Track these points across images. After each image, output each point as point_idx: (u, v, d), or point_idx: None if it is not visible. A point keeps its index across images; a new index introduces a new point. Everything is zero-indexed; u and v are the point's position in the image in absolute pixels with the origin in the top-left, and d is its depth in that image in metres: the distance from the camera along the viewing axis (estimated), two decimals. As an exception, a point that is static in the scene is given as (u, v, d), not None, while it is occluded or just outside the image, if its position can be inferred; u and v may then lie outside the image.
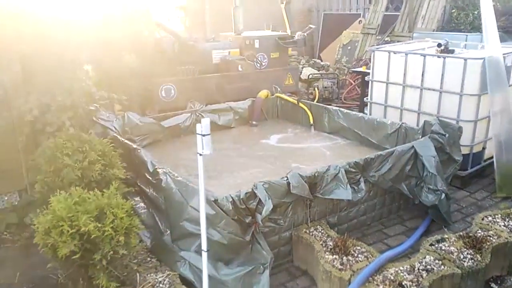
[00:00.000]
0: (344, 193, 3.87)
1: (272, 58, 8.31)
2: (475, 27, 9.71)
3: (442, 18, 10.34)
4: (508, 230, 3.83)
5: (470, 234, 3.72)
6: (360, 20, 12.34)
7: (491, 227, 3.88)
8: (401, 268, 3.32)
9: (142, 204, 4.15)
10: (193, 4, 11.93)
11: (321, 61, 12.94)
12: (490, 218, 4.09)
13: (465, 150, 5.20)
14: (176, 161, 5.34)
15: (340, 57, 12.67)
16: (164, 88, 6.73)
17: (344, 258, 3.44)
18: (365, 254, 3.51)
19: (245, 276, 3.33)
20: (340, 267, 3.34)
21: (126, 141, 4.78)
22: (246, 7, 8.55)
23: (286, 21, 8.46)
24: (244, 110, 6.72)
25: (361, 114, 5.81)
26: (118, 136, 4.93)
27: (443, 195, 4.38)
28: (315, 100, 9.90)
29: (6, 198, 3.99)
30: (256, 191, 3.43)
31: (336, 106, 9.83)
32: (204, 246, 2.84)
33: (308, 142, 6.04)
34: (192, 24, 12.16)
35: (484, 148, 5.57)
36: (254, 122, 6.72)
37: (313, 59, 12.77)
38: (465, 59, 5.09)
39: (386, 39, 10.93)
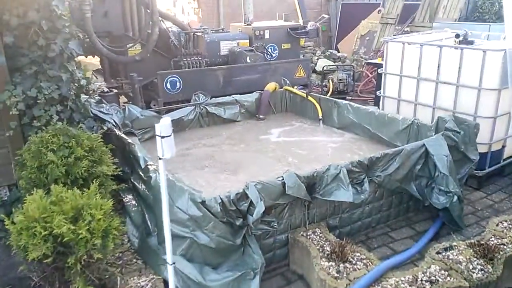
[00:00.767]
0: (345, 194, 3.61)
1: (283, 49, 8.03)
2: (501, 16, 9.15)
3: (466, 8, 9.80)
4: (525, 238, 3.51)
5: (482, 242, 3.41)
6: (379, 10, 11.86)
7: (506, 234, 3.56)
8: (402, 278, 3.05)
9: (134, 202, 3.99)
10: (207, -6, 11.73)
11: (338, 52, 12.56)
12: (505, 224, 3.76)
13: (482, 149, 4.84)
14: (178, 156, 5.17)
15: (358, 48, 12.25)
16: (169, 80, 6.55)
17: (341, 265, 3.20)
18: (365, 261, 3.25)
19: (234, 282, 3.13)
20: (336, 275, 3.10)
21: (122, 135, 4.63)
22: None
23: (298, 10, 8.16)
24: (251, 104, 6.48)
25: (371, 109, 5.50)
26: (116, 130, 4.79)
27: (455, 198, 4.07)
28: (329, 93, 9.58)
29: (-6, 193, 3.90)
30: (247, 192, 3.22)
31: (351, 99, 9.60)
32: (169, 259, 2.62)
33: (316, 137, 5.77)
34: (206, 15, 11.96)
35: (504, 147, 5.19)
36: (261, 116, 6.49)
37: (329, 50, 12.39)
38: (484, 51, 4.71)
39: (406, 29, 10.47)
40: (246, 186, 3.26)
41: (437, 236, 4.14)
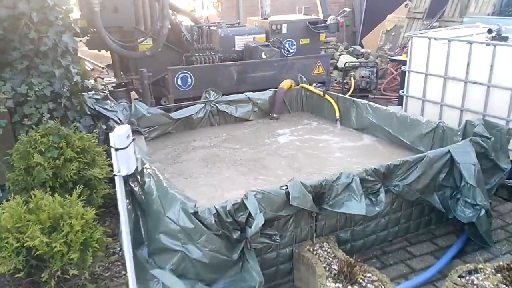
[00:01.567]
0: (357, 206, 3.25)
1: (302, 45, 7.66)
2: (539, 10, 8.50)
3: (500, 1, 9.14)
4: None
5: (512, 266, 2.99)
6: (406, 4, 11.28)
7: (542, 257, 3.12)
8: (419, 306, 2.68)
9: (130, 207, 3.73)
10: (226, -12, 11.44)
11: (362, 48, 12.05)
12: (541, 244, 3.32)
13: (515, 156, 4.37)
14: (184, 155, 4.92)
15: (383, 43, 11.70)
16: (180, 76, 6.29)
17: (349, 287, 2.84)
18: (376, 283, 2.89)
19: (229, 301, 2.84)
20: (342, 299, 2.76)
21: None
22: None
23: (318, 4, 7.75)
24: (264, 102, 6.15)
25: (392, 110, 5.08)
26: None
27: (483, 211, 3.64)
28: (350, 91, 9.15)
29: (-14, 193, 3.71)
30: (246, 202, 2.90)
31: (374, 98, 9.13)
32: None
33: (331, 139, 5.39)
34: (226, 9, 11.67)
35: (540, 154, 4.68)
36: (274, 115, 6.15)
37: (352, 46, 11.90)
38: (521, 47, 4.23)
39: (435, 24, 9.88)
40: (245, 195, 2.95)
41: (462, 253, 3.74)
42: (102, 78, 6.68)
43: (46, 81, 3.43)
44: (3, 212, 2.47)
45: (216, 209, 2.84)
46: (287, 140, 5.41)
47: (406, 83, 5.58)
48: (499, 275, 2.91)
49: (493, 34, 4.63)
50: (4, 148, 3.50)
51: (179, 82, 6.31)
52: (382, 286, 2.86)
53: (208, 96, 5.87)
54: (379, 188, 3.53)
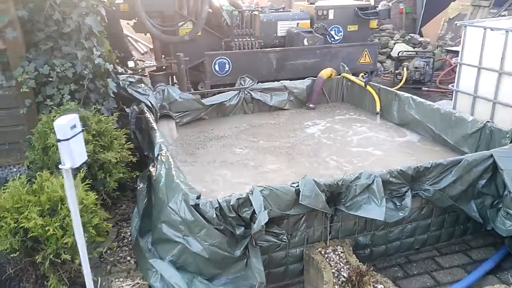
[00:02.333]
0: (375, 210, 2.98)
1: (349, 31, 7.26)
2: None
3: None
4: None
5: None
6: (473, -11, 10.35)
7: None
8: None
9: (145, 192, 3.71)
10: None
11: (421, 36, 11.28)
12: None
13: None
14: (209, 143, 4.84)
15: (445, 32, 10.87)
16: (217, 62, 6.19)
17: (356, 298, 2.62)
18: (387, 297, 2.64)
19: (227, 299, 2.72)
20: (346, 310, 2.54)
21: (149, 117, 4.38)
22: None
23: (370, -12, 7.28)
24: (301, 91, 5.90)
25: (436, 105, 4.64)
26: (147, 112, 4.56)
27: (527, 226, 3.21)
28: (402, 82, 8.60)
29: (14, 170, 3.86)
30: (251, 198, 2.75)
31: (428, 90, 8.51)
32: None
33: (368, 133, 5.04)
34: (277, -7, 11.39)
35: None
36: (311, 105, 5.89)
37: (410, 34, 11.19)
38: None
39: (503, 13, 8.97)
40: (250, 190, 2.79)
41: (498, 269, 3.34)
42: (143, 61, 6.74)
43: (69, 62, 3.45)
44: (4, 192, 2.51)
45: (218, 203, 2.72)
46: (319, 131, 5.15)
47: (457, 76, 5.09)
48: (533, 301, 2.54)
49: (561, 24, 4.06)
50: (29, 127, 3.59)
51: (217, 67, 6.22)
52: (393, 300, 2.61)
53: (242, 83, 5.73)
54: (406, 191, 3.23)
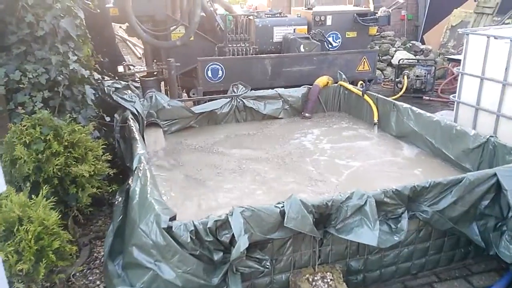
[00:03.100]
0: (368, 235, 2.72)
1: (348, 38, 7.03)
2: None
3: None
4: None
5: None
6: (476, -4, 10.14)
7: None
8: None
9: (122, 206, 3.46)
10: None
11: (422, 44, 11.06)
12: None
13: None
14: (195, 154, 4.59)
15: (447, 40, 10.66)
16: (210, 68, 5.96)
17: (344, 334, 2.36)
18: (379, 333, 2.38)
19: (201, 332, 2.46)
20: None
21: (132, 125, 4.14)
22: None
23: (369, -7, 7.06)
24: (296, 99, 5.67)
25: (437, 118, 4.39)
26: (131, 120, 4.32)
27: (534, 252, 2.95)
28: (402, 91, 8.36)
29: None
30: (230, 220, 2.50)
31: (429, 100, 8.26)
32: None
33: (364, 145, 4.80)
34: (277, -1, 11.21)
35: None
36: (307, 114, 5.65)
37: (411, 42, 10.96)
38: None
39: (507, 21, 8.74)
40: (230, 212, 2.54)
41: (502, 298, 3.08)
42: (134, 66, 6.51)
43: (42, 68, 3.22)
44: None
45: (194, 225, 2.47)
46: (313, 143, 4.90)
47: (458, 87, 4.84)
48: None
49: None
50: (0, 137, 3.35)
51: (209, 74, 5.99)
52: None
53: (235, 90, 5.50)
54: (402, 213, 2.97)
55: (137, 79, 6.46)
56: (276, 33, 6.63)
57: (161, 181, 3.95)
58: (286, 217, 2.60)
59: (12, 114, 3.33)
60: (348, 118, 5.71)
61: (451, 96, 5.14)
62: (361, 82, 6.43)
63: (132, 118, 4.43)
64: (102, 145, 3.52)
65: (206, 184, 3.92)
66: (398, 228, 2.92)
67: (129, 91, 4.86)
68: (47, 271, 2.32)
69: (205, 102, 5.69)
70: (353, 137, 5.08)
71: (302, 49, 6.31)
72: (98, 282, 2.83)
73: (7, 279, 2.07)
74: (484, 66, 4.38)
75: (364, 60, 6.66)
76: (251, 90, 5.54)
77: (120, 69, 6.08)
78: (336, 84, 5.91)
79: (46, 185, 3.01)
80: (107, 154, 3.52)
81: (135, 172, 3.16)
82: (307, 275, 2.84)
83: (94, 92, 3.69)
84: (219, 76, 6.04)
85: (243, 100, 5.46)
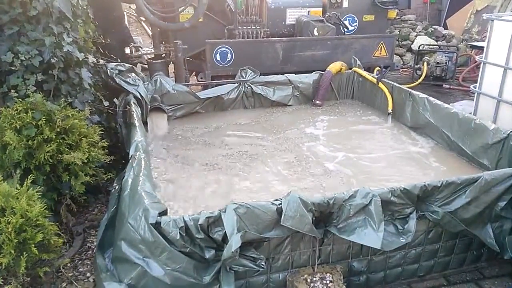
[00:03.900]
0: (371, 236, 2.54)
1: (365, 22, 6.72)
2: None
3: None
4: None
5: None
6: (505, -21, 9.59)
7: None
8: None
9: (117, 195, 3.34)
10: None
11: (445, 29, 10.60)
12: None
13: None
14: (198, 141, 4.44)
15: (471, 26, 10.18)
16: (219, 51, 5.76)
17: None
18: None
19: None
20: None
21: (133, 110, 4.00)
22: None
23: (390, -25, 6.69)
24: (307, 86, 5.44)
25: (454, 109, 4.12)
26: (133, 105, 4.18)
27: (552, 259, 2.73)
28: (421, 78, 8.02)
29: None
30: (223, 217, 2.35)
31: (449, 88, 7.90)
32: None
33: (375, 137, 4.56)
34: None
35: None
36: (318, 102, 5.42)
37: (433, 26, 10.51)
38: None
39: (537, 5, 8.25)
40: (223, 208, 2.39)
41: (515, 305, 2.88)
42: (141, 48, 6.35)
43: (35, 50, 3.07)
44: None
45: (184, 222, 2.32)
46: (320, 132, 4.68)
47: (480, 76, 4.54)
48: None
49: None
50: (-7, 121, 3.24)
51: (218, 57, 5.79)
52: None
53: (243, 75, 5.30)
54: (410, 213, 2.77)
55: (144, 62, 6.32)
56: (289, 15, 6.36)
57: (160, 169, 3.84)
58: (283, 216, 2.43)
59: (6, 97, 3.21)
60: (361, 106, 5.47)
61: (471, 86, 4.84)
62: (377, 68, 6.15)
63: (134, 103, 4.29)
64: (101, 130, 3.39)
65: (208, 173, 3.77)
66: (405, 229, 2.73)
67: (133, 74, 4.72)
68: (29, 264, 2.22)
69: (213, 87, 5.51)
70: (365, 127, 4.84)
71: (315, 33, 6.04)
72: (88, 274, 2.74)
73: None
74: (508, 55, 4.07)
75: (382, 45, 6.35)
76: (260, 75, 5.33)
77: (127, 51, 5.92)
78: (350, 71, 5.64)
79: (37, 172, 2.91)
80: (105, 140, 3.39)
81: (130, 161, 3.03)
82: (305, 275, 2.68)
83: (90, 75, 3.53)
84: (228, 59, 5.83)
85: (251, 85, 5.26)
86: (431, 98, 4.45)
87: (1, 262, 2.06)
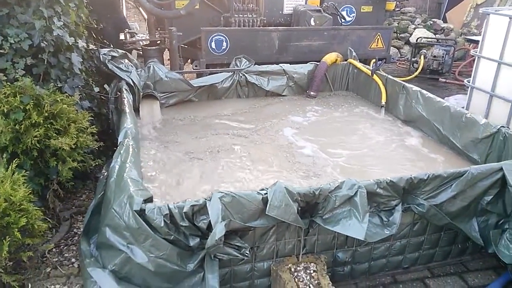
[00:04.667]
0: (355, 227, 2.55)
1: (363, 13, 6.68)
2: None
3: None
4: None
5: None
6: (506, -27, 9.52)
7: None
8: None
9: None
10: None
11: (444, 22, 10.54)
12: None
13: None
14: (186, 129, 4.43)
15: (470, 19, 10.13)
16: (214, 39, 5.72)
17: (320, 332, 2.24)
18: (357, 333, 2.24)
19: (173, 319, 2.36)
20: None
21: (124, 98, 3.98)
22: None
23: (388, -34, 6.64)
24: (302, 76, 5.42)
25: (446, 103, 4.12)
26: (124, 91, 4.16)
27: (535, 253, 2.76)
28: (417, 71, 8.01)
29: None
30: (207, 205, 2.35)
31: (445, 82, 7.89)
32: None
33: (367, 129, 4.56)
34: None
35: None
36: (312, 93, 5.41)
37: (432, 19, 10.45)
38: None
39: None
40: (209, 197, 2.39)
41: (497, 299, 2.92)
42: (136, 34, 6.30)
43: (25, 33, 3.04)
44: None
45: (169, 209, 2.33)
46: (314, 122, 4.68)
47: (474, 70, 4.54)
48: None
49: None
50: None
51: (213, 45, 5.75)
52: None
53: (238, 64, 5.27)
54: (396, 205, 2.79)
55: (139, 48, 6.28)
56: (286, 4, 6.31)
57: (149, 155, 3.83)
58: (268, 205, 2.44)
59: (-5, 81, 3.19)
60: (355, 98, 5.46)
61: (465, 81, 4.83)
62: (374, 60, 6.13)
63: (126, 89, 4.27)
64: (92, 116, 3.38)
65: (195, 162, 3.77)
66: (390, 221, 2.75)
67: (126, 60, 4.69)
68: (13, 248, 2.23)
69: (208, 75, 5.49)
70: (358, 119, 4.84)
71: (312, 23, 6.01)
72: (73, 260, 2.75)
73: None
74: (503, 49, 4.07)
75: (378, 37, 6.32)
76: (255, 64, 5.31)
77: (121, 36, 5.88)
78: (345, 62, 5.62)
79: (24, 157, 2.91)
80: (94, 126, 3.38)
81: (118, 147, 3.02)
82: (289, 265, 2.70)
83: (81, 60, 3.50)
84: (223, 48, 5.80)
85: (245, 75, 5.24)
86: (424, 92, 4.45)
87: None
